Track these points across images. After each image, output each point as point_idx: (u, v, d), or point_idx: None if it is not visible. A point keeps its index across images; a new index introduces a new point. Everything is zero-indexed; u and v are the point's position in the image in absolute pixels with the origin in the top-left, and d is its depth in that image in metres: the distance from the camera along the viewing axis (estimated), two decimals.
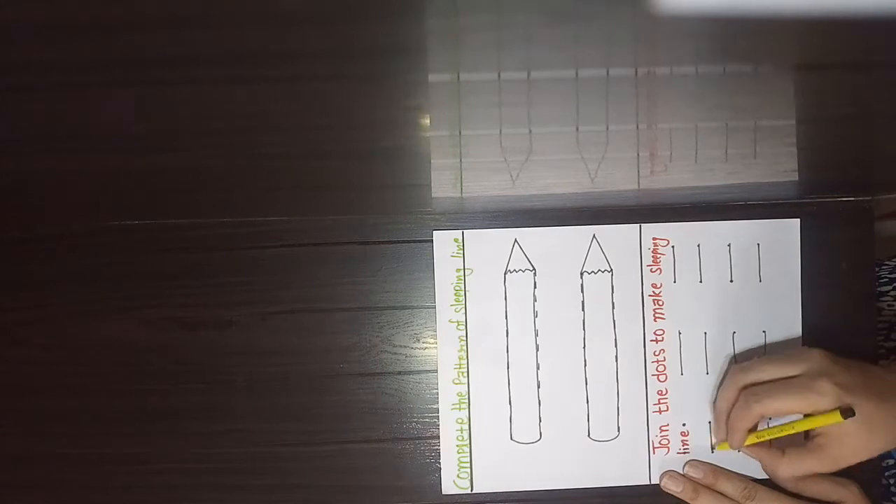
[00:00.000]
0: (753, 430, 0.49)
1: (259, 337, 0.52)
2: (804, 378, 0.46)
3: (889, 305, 0.59)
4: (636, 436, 0.53)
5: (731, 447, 0.50)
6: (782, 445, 0.49)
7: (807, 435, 0.49)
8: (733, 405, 0.49)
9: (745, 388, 0.48)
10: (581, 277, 0.53)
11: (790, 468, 0.48)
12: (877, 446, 0.46)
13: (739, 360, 0.53)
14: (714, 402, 0.52)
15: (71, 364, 0.52)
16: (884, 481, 0.54)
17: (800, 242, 0.53)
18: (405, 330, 0.53)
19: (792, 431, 0.48)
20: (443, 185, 0.44)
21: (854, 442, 0.46)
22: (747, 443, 0.49)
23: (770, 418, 0.50)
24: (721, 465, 0.52)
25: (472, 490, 0.52)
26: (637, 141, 0.35)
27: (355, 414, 0.52)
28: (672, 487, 0.52)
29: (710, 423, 0.53)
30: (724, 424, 0.50)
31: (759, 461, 0.50)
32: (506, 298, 0.53)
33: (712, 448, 0.53)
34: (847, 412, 0.45)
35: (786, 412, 0.47)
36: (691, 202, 0.53)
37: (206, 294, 0.52)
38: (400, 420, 0.52)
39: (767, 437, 0.49)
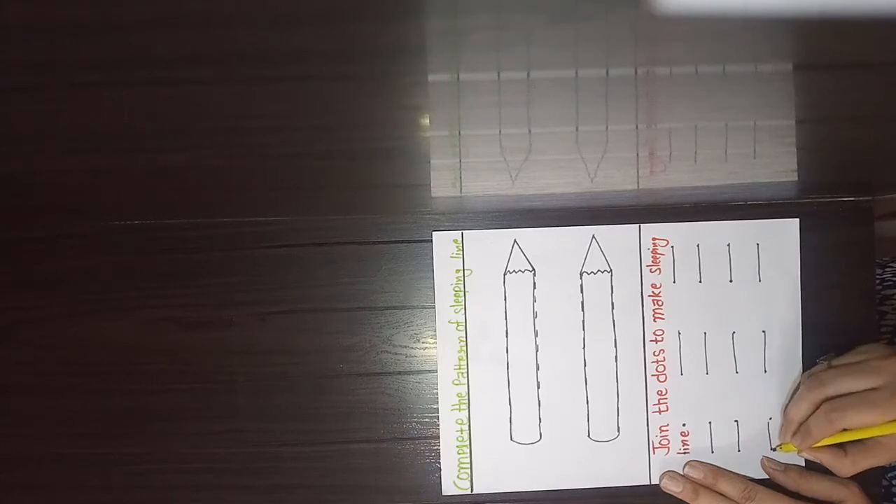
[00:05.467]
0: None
1: (259, 337, 0.52)
2: (887, 391, 0.46)
3: (894, 309, 0.58)
4: (636, 436, 0.53)
5: (799, 450, 0.50)
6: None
7: None
8: (809, 415, 0.49)
9: (824, 401, 0.48)
10: (580, 278, 0.53)
11: (854, 466, 0.48)
12: None
13: (806, 365, 0.53)
14: (785, 407, 0.52)
15: (71, 364, 0.52)
16: (884, 482, 0.54)
17: (799, 242, 0.53)
18: (405, 330, 0.53)
19: (864, 436, 0.48)
20: (442, 185, 0.44)
21: None
22: (822, 443, 0.49)
23: None
24: (721, 466, 0.52)
25: (472, 490, 0.52)
26: (637, 141, 0.35)
27: (355, 414, 0.52)
28: (672, 488, 0.52)
29: (710, 423, 0.53)
30: (793, 430, 0.50)
31: (821, 461, 0.49)
32: (505, 299, 0.53)
33: (712, 449, 0.53)
34: None
35: (868, 426, 0.47)
36: (691, 202, 0.53)
37: (206, 294, 0.52)
38: (400, 420, 0.52)
39: (839, 441, 0.48)
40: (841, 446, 0.49)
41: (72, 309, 0.52)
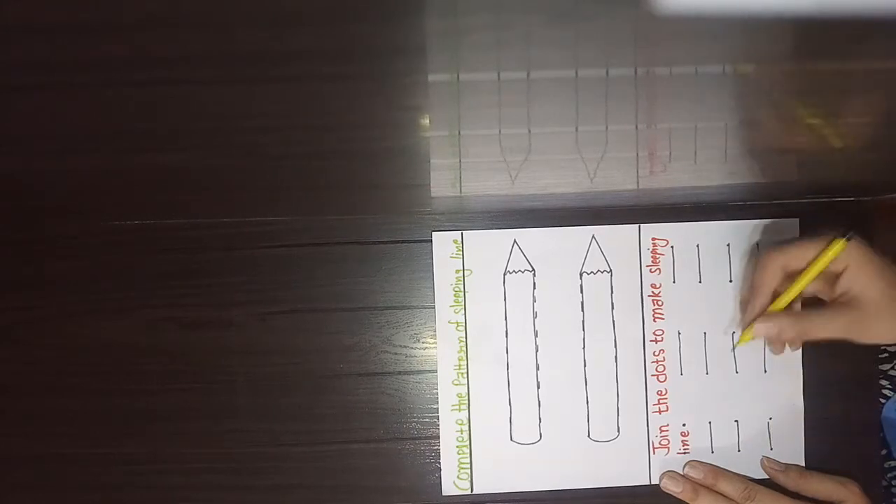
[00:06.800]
0: (773, 301, 0.49)
1: (259, 337, 0.52)
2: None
3: None
4: (636, 436, 0.53)
5: (754, 312, 0.49)
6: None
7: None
8: (773, 281, 0.48)
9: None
10: (580, 278, 0.53)
11: (824, 328, 0.47)
12: None
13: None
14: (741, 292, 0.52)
15: (71, 364, 0.52)
16: (884, 482, 0.54)
17: None
18: (405, 330, 0.53)
19: (810, 276, 0.47)
20: (442, 185, 0.44)
21: (878, 307, 0.45)
22: (773, 308, 0.48)
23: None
24: (721, 466, 0.52)
25: (472, 490, 0.52)
26: (636, 141, 0.35)
27: (355, 414, 0.52)
28: (672, 488, 0.52)
29: (710, 423, 0.53)
30: (747, 309, 0.49)
31: (791, 330, 0.47)
32: (505, 299, 0.53)
33: (712, 449, 0.53)
34: (846, 233, 0.45)
35: (806, 259, 0.47)
36: (691, 202, 0.53)
37: (206, 294, 0.52)
38: (400, 420, 0.52)
39: (791, 297, 0.48)
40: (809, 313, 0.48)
41: (72, 309, 0.52)
